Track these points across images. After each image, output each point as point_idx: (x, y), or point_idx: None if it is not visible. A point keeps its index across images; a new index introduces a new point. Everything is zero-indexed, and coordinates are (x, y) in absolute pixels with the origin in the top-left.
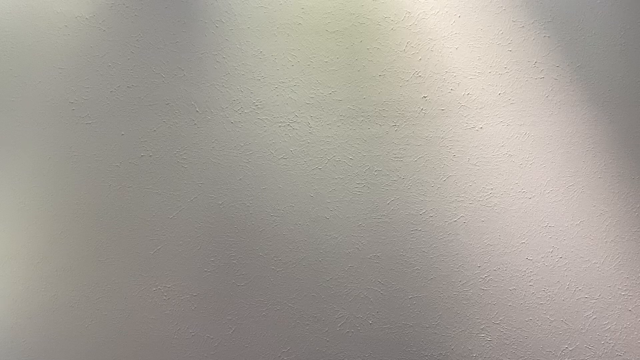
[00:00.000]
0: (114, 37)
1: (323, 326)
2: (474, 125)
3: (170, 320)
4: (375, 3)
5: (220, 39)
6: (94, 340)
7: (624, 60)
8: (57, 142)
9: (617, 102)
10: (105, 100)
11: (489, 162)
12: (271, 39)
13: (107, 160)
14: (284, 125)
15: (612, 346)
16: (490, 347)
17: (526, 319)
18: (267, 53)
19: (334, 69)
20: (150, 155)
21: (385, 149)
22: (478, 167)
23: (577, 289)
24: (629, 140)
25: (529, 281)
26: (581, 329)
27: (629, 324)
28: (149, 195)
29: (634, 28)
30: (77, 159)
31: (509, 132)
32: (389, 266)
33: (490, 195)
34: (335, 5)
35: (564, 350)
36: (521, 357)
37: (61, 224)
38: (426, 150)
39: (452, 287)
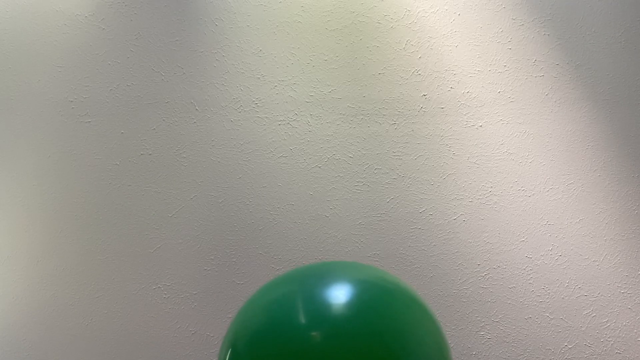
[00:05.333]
0: (113, 36)
1: None
2: (473, 123)
3: (170, 318)
4: (375, 1)
5: (220, 37)
6: (93, 339)
7: (624, 59)
8: (56, 141)
9: (617, 101)
10: (104, 98)
11: (489, 160)
12: (270, 37)
13: (106, 159)
14: (284, 124)
15: (612, 344)
16: (490, 345)
17: (526, 317)
18: (266, 51)
19: (333, 67)
20: (150, 154)
21: (384, 147)
22: (477, 165)
23: (577, 287)
24: (628, 138)
25: (529, 279)
26: (580, 327)
27: (628, 322)
28: (148, 194)
29: (633, 26)
30: (76, 157)
31: (509, 130)
32: (388, 264)
33: (490, 193)
34: (334, 3)
35: (563, 347)
36: (521, 354)
37: (61, 223)
38: (426, 149)
39: (451, 285)
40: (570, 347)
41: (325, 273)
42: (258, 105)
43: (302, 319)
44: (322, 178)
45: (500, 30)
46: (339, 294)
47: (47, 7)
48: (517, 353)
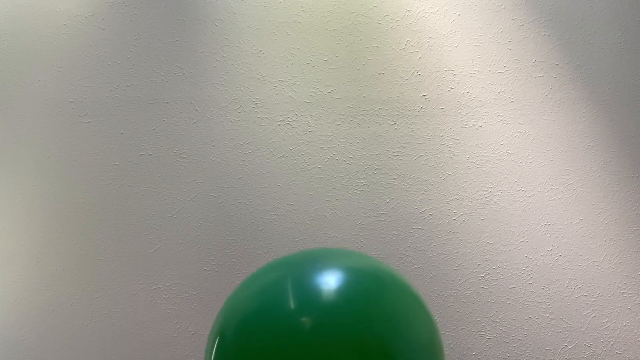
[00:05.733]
0: (113, 36)
1: None
2: (473, 123)
3: (170, 318)
4: (375, 1)
5: (220, 37)
6: (93, 339)
7: (624, 59)
8: (57, 141)
9: (617, 101)
10: (104, 99)
11: (489, 160)
12: (270, 38)
13: (106, 159)
14: (284, 124)
15: (612, 344)
16: (489, 345)
17: (525, 317)
18: (266, 52)
19: (333, 68)
20: (150, 154)
21: (384, 147)
22: (477, 166)
23: (577, 287)
24: (628, 138)
25: (529, 279)
26: (580, 327)
27: (628, 322)
28: (148, 194)
29: (633, 26)
30: (76, 157)
31: (509, 131)
32: (388, 264)
33: (490, 193)
34: (334, 4)
35: (563, 348)
36: (521, 355)
37: (60, 223)
38: (426, 149)
39: (451, 285)
40: (570, 347)
41: (315, 260)
42: (258, 106)
43: (291, 306)
44: (322, 178)
45: (500, 30)
46: (329, 281)
47: (47, 7)
48: (517, 353)
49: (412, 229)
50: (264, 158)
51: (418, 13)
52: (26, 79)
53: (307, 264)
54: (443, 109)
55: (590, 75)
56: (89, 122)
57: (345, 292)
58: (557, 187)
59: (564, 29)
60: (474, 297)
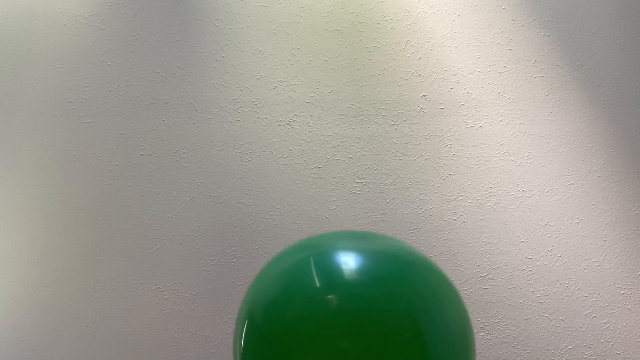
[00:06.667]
0: (113, 36)
1: None
2: (473, 124)
3: (170, 319)
4: (375, 2)
5: (219, 37)
6: (93, 339)
7: (624, 59)
8: (56, 141)
9: (617, 101)
10: (104, 99)
11: (489, 160)
12: (270, 38)
13: (106, 160)
14: (284, 124)
15: (611, 345)
16: (489, 346)
17: (525, 318)
18: (266, 52)
19: (333, 68)
20: (150, 155)
21: (384, 147)
22: (477, 166)
23: (577, 288)
24: (628, 138)
25: (528, 280)
26: (580, 328)
27: (628, 323)
28: (148, 195)
29: (633, 27)
30: (76, 158)
31: (508, 131)
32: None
33: (490, 194)
34: (334, 4)
35: (563, 348)
36: (520, 355)
37: (60, 223)
38: (425, 149)
39: None
40: (570, 347)
41: (342, 239)
42: (258, 106)
43: (320, 285)
44: (322, 179)
45: (500, 31)
46: (357, 261)
47: (47, 8)
48: (517, 354)
49: (412, 229)
50: (264, 158)
51: (418, 13)
52: (26, 79)
53: (333, 244)
54: (443, 110)
55: (590, 75)
56: (89, 122)
57: (375, 271)
58: (557, 187)
59: (564, 29)
60: (474, 298)
